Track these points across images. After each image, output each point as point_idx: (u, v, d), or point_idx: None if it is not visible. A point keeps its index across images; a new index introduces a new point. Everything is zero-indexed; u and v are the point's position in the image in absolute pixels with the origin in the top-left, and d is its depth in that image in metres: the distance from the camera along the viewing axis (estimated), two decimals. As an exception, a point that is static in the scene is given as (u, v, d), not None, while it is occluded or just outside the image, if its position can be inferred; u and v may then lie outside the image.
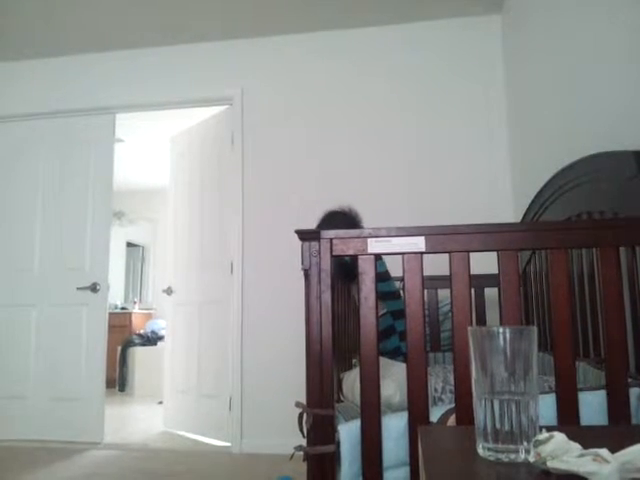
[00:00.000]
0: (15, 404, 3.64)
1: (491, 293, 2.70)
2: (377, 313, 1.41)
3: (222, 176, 3.75)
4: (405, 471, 1.31)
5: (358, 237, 1.40)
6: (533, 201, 2.48)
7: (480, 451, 0.75)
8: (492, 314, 2.74)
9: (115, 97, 3.80)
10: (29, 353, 3.68)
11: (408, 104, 3.48)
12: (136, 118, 4.33)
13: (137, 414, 4.79)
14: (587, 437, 0.72)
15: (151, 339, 6.23)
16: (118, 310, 6.74)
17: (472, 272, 1.36)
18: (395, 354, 2.12)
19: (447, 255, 1.36)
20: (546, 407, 1.24)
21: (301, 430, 1.41)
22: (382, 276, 2.31)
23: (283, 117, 3.61)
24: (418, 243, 1.39)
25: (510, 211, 3.20)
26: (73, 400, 3.57)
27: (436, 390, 1.52)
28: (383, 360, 1.63)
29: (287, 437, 1.84)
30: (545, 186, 2.32)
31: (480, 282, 2.68)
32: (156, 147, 5.55)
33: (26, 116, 3.91)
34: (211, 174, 3.89)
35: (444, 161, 3.37)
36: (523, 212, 2.66)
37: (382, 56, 3.55)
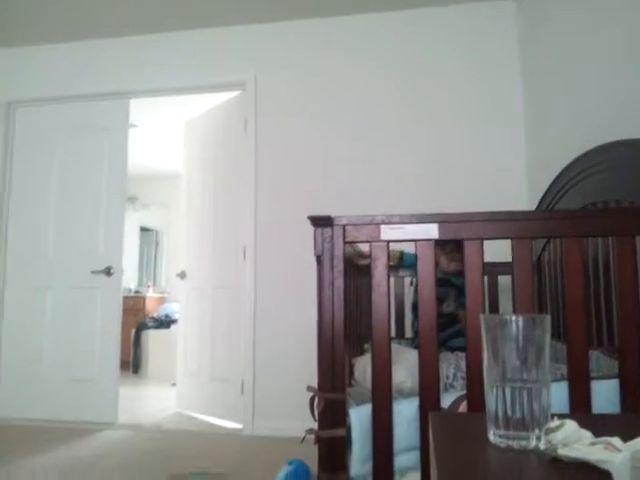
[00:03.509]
0: (32, 385, 3.70)
1: (505, 281, 2.69)
2: (389, 299, 1.41)
3: (235, 161, 3.76)
4: (415, 456, 1.32)
5: (371, 224, 1.40)
6: (548, 189, 2.46)
7: (491, 438, 0.75)
8: (505, 302, 2.73)
9: (129, 82, 3.80)
10: (45, 335, 3.73)
11: (420, 91, 3.44)
12: (150, 103, 4.33)
13: (150, 396, 4.86)
14: (599, 425, 0.72)
15: (164, 322, 6.29)
16: (132, 294, 6.81)
17: (485, 260, 1.36)
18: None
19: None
20: (558, 395, 1.24)
21: (312, 414, 1.42)
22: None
23: (296, 102, 3.59)
24: (431, 230, 1.39)
25: (524, 200, 3.17)
26: (88, 381, 3.63)
27: (448, 377, 1.53)
28: (395, 346, 1.63)
29: (298, 420, 1.86)
30: (560, 174, 2.30)
31: (494, 270, 2.67)
32: (170, 132, 5.56)
33: (41, 101, 3.93)
34: (224, 159, 3.90)
35: (457, 149, 3.35)
36: (538, 201, 2.64)
37: (396, 42, 3.51)
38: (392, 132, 3.44)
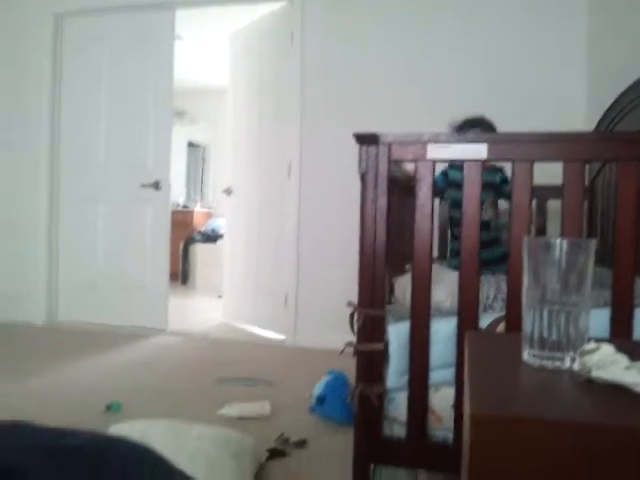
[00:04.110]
0: (87, 291, 3.92)
1: (555, 205, 2.61)
2: (432, 220, 1.40)
3: (281, 75, 3.68)
4: (450, 372, 1.36)
5: (417, 142, 1.37)
6: (609, 109, 2.32)
7: (525, 357, 0.76)
8: (554, 228, 2.67)
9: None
10: (98, 245, 3.90)
11: (473, 3, 3.23)
12: (196, 15, 4.24)
13: (198, 306, 5.08)
14: (637, 351, 0.72)
15: (211, 237, 6.46)
16: (180, 208, 6.97)
17: (535, 183, 1.32)
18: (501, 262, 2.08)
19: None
20: (599, 321, 1.23)
21: (352, 328, 1.47)
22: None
23: (344, 15, 3.43)
24: (480, 150, 1.35)
25: (581, 121, 3.02)
26: (140, 290, 3.81)
27: (487, 298, 1.53)
28: (436, 267, 1.64)
29: (338, 334, 1.92)
30: (624, 93, 2.16)
31: (543, 193, 2.60)
32: (216, 45, 5.44)
33: (89, 12, 3.88)
34: (270, 73, 3.82)
35: (511, 65, 3.17)
36: (596, 123, 2.50)
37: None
38: (443, 48, 3.28)
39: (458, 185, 1.95)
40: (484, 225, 2.16)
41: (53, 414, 2.13)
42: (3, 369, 2.75)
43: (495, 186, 2.34)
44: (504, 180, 2.39)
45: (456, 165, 2.39)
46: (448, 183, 2.43)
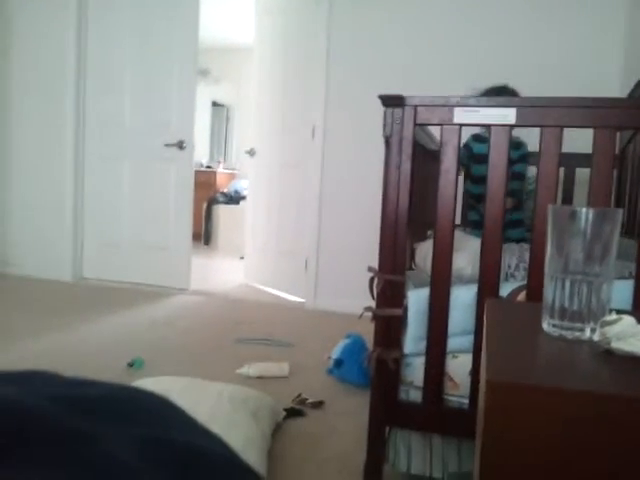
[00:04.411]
0: (111, 250, 3.99)
1: (583, 174, 2.56)
2: (457, 186, 1.38)
3: (307, 35, 3.61)
4: (469, 340, 1.36)
5: (445, 105, 1.34)
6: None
7: (545, 327, 0.76)
8: (581, 197, 2.62)
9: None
10: (122, 204, 3.94)
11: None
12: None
13: (220, 267, 5.14)
14: (660, 324, 0.71)
15: (234, 198, 6.48)
16: (204, 168, 6.98)
17: (564, 150, 1.29)
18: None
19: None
20: (623, 293, 1.21)
21: (371, 293, 1.47)
22: (518, 160, 2.29)
23: (375, -29, 3.34)
24: (508, 115, 1.31)
25: (617, 88, 2.92)
26: (163, 249, 3.86)
27: (509, 266, 1.52)
28: (458, 234, 1.62)
29: (358, 298, 1.93)
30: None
31: (572, 161, 2.54)
32: (242, 2, 5.35)
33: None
34: (296, 31, 3.75)
35: (546, 30, 3.06)
36: (631, 88, 2.41)
37: None
38: (474, 10, 3.17)
39: (484, 159, 1.91)
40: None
41: (77, 369, 2.19)
42: (27, 324, 2.84)
43: (511, 162, 2.29)
44: (521, 157, 2.33)
45: (481, 138, 2.34)
46: (472, 157, 2.39)
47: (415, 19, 3.27)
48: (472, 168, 2.40)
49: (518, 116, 1.29)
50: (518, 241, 2.05)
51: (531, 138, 2.11)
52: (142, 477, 0.24)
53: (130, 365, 2.22)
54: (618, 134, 1.62)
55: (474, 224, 2.42)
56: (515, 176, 2.33)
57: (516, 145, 2.30)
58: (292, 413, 1.85)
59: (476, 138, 2.40)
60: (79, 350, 2.46)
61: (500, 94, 2.21)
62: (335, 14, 3.40)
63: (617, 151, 2.44)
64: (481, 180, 2.09)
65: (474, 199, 2.43)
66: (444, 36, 3.23)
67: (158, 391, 0.37)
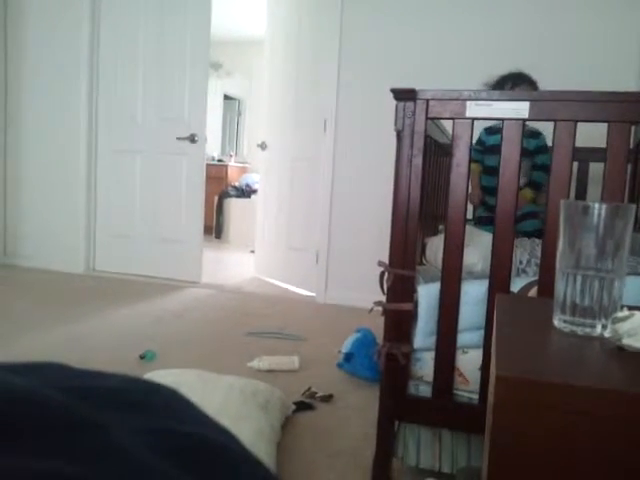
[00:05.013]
0: (122, 242, 4.01)
1: (598, 169, 2.53)
2: (469, 180, 1.38)
3: (319, 28, 3.60)
4: (479, 335, 1.35)
5: (457, 99, 1.33)
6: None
7: (555, 322, 0.75)
8: (594, 191, 2.59)
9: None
10: (134, 197, 3.96)
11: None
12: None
13: (231, 260, 5.16)
14: (672, 320, 0.70)
15: (245, 192, 6.49)
16: (215, 162, 6.99)
17: (578, 144, 1.28)
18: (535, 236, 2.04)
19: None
20: (635, 288, 1.20)
21: (382, 287, 1.47)
22: (538, 150, 2.26)
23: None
24: (521, 109, 1.30)
25: (633, 82, 2.88)
26: (174, 242, 3.88)
27: (521, 262, 1.51)
28: (469, 228, 1.62)
29: (368, 293, 1.93)
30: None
31: (586, 156, 2.51)
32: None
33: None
34: (308, 24, 3.74)
35: (561, 22, 3.02)
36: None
37: None
38: (486, 6, 3.14)
39: (498, 150, 1.89)
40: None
41: (87, 361, 2.21)
42: (39, 316, 2.86)
43: (529, 153, 2.27)
44: (539, 148, 2.30)
45: (493, 130, 2.32)
46: (486, 150, 2.37)
47: (427, 13, 3.25)
48: (485, 159, 2.38)
49: (531, 110, 1.28)
50: (532, 233, 2.02)
51: (548, 127, 2.09)
52: (153, 468, 0.24)
53: (142, 357, 2.24)
54: (633, 128, 1.60)
55: (480, 220, 2.40)
56: (538, 167, 2.30)
57: (533, 134, 2.27)
58: (302, 407, 1.86)
59: (489, 131, 2.38)
60: (90, 342, 2.48)
61: (515, 81, 2.18)
62: (348, 7, 3.38)
63: (632, 145, 2.41)
64: (494, 171, 2.06)
65: (486, 192, 2.41)
66: (457, 29, 3.20)
67: (169, 384, 0.37)
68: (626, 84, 2.86)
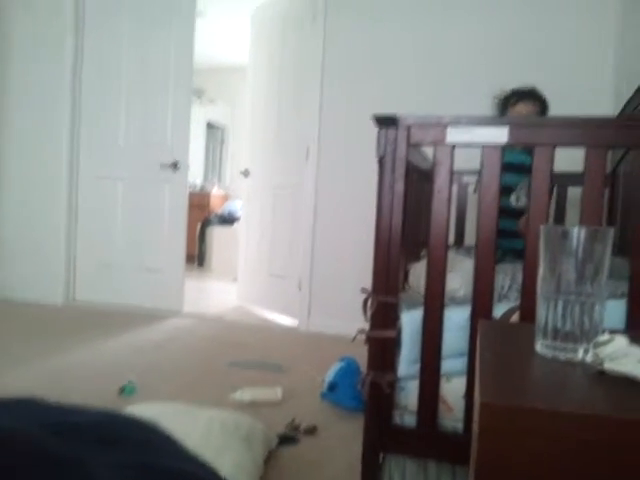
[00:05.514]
0: (104, 271, 3.95)
1: (575, 193, 2.56)
2: (449, 206, 1.38)
3: (302, 55, 3.64)
4: (462, 362, 1.34)
5: (437, 125, 1.34)
6: (637, 91, 2.25)
7: (538, 348, 0.74)
8: (573, 215, 2.62)
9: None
10: (116, 224, 3.92)
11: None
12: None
13: (214, 288, 5.11)
14: (654, 344, 0.70)
15: (228, 219, 6.47)
16: (198, 190, 6.98)
17: (557, 169, 1.29)
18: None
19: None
20: (616, 313, 1.20)
21: (365, 314, 1.45)
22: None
23: (368, -5, 3.38)
24: (501, 135, 1.31)
25: (609, 106, 2.94)
26: (156, 271, 3.84)
27: (502, 287, 1.51)
28: (451, 254, 1.61)
29: (351, 320, 1.91)
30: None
31: (564, 180, 2.55)
32: (238, 22, 5.39)
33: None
34: (291, 53, 3.78)
35: (535, 46, 3.09)
36: (622, 105, 2.43)
37: None
38: (475, 28, 3.20)
39: (504, 168, 1.88)
40: (517, 213, 2.09)
41: (67, 395, 2.15)
42: (18, 349, 2.80)
43: (527, 168, 2.25)
44: None
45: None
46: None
47: (407, 40, 3.31)
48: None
49: (511, 135, 1.29)
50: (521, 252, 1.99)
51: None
52: None
53: (122, 391, 2.18)
54: (609, 153, 1.63)
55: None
56: None
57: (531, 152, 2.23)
58: (285, 439, 1.82)
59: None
60: (69, 376, 2.42)
61: (521, 96, 2.15)
62: (329, 36, 3.44)
63: (608, 170, 2.45)
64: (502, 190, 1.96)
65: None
66: (437, 53, 3.26)
67: (149, 417, 0.36)
68: (602, 106, 2.91)
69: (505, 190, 1.96)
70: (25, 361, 2.57)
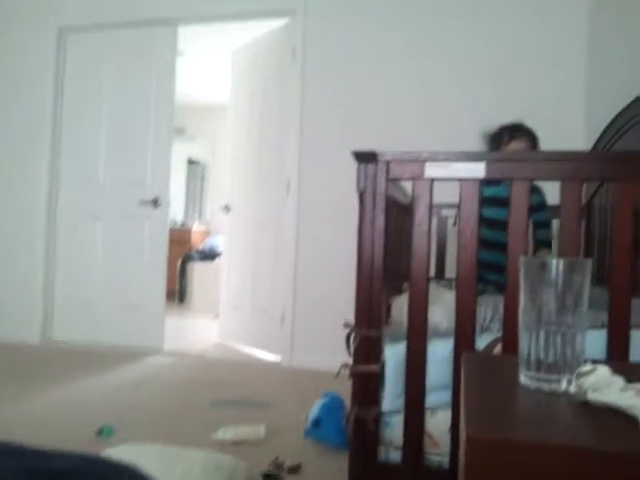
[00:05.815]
0: (83, 309, 3.89)
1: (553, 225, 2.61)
2: (430, 240, 1.39)
3: (282, 93, 3.70)
4: (447, 395, 1.33)
5: (416, 160, 1.37)
6: (607, 127, 2.33)
7: (522, 379, 0.75)
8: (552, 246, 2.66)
9: (177, 8, 3.74)
10: (95, 262, 3.88)
11: (479, 16, 3.27)
12: (198, 31, 4.29)
13: (195, 325, 5.04)
14: (634, 373, 0.71)
15: (209, 255, 6.44)
16: (178, 226, 6.96)
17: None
18: None
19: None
20: (596, 343, 1.22)
21: (348, 349, 1.45)
22: (538, 207, 2.23)
23: (347, 32, 3.46)
24: (478, 169, 1.34)
25: (581, 141, 3.02)
26: (136, 309, 3.78)
27: (485, 319, 1.52)
28: (433, 287, 1.62)
29: (335, 355, 1.90)
30: (623, 111, 2.17)
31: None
32: (218, 61, 5.48)
33: (91, 27, 3.91)
34: (271, 91, 3.84)
35: (511, 76, 3.18)
36: (596, 139, 2.50)
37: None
38: (450, 61, 3.29)
39: (497, 202, 1.87)
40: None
41: (42, 438, 2.09)
42: (-5, 388, 2.72)
43: (531, 208, 2.23)
44: (539, 205, 2.26)
45: (493, 181, 2.24)
46: (485, 200, 2.32)
47: (386, 75, 3.38)
48: (484, 211, 2.34)
49: (488, 169, 1.32)
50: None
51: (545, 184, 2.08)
52: None
53: (99, 433, 2.12)
54: (584, 186, 1.67)
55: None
56: (542, 225, 2.26)
57: (533, 190, 2.18)
58: (269, 478, 1.78)
59: (487, 183, 2.31)
60: (46, 418, 2.35)
61: (514, 132, 2.16)
62: (308, 72, 3.50)
63: (584, 202, 2.50)
64: (496, 224, 1.98)
65: (486, 244, 2.28)
66: (417, 89, 3.33)
67: (127, 460, 0.35)
68: (575, 139, 2.97)
69: (495, 224, 1.99)
70: None
